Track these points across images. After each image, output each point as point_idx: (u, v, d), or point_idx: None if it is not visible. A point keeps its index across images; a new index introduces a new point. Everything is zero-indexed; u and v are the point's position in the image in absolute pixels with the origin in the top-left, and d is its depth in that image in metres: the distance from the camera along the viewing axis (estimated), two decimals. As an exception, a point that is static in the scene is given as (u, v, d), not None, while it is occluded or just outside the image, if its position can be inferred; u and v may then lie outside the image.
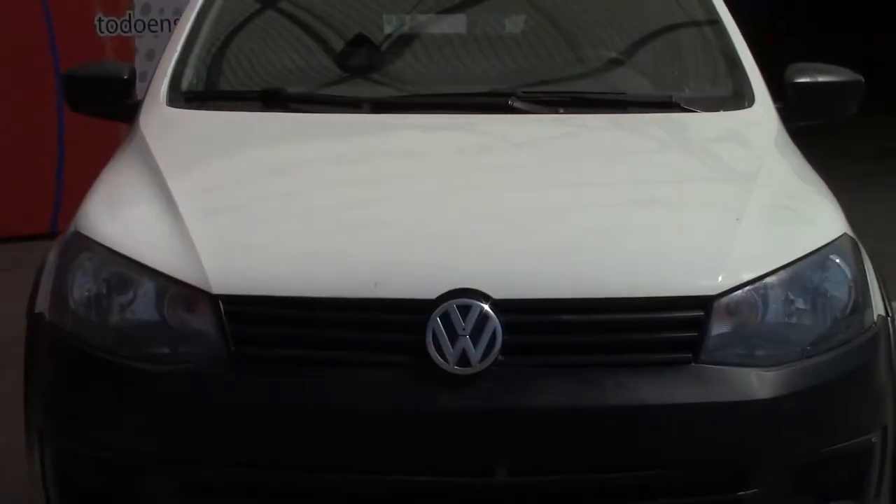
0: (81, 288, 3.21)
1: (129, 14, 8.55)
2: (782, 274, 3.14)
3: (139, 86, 4.30)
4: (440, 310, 2.95)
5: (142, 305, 3.13)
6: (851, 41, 13.31)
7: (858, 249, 3.36)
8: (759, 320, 3.10)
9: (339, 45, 4.40)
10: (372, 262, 3.08)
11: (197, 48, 4.22)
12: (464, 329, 2.94)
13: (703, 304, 3.03)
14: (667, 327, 3.04)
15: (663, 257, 3.16)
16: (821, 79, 4.14)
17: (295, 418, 2.97)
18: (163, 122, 3.89)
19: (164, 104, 3.98)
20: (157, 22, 8.55)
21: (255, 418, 2.98)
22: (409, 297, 2.99)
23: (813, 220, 3.42)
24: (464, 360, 2.93)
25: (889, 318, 3.33)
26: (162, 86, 4.04)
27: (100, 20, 8.46)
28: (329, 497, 3.03)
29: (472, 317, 2.95)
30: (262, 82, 4.15)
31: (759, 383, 3.01)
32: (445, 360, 2.93)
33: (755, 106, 4.01)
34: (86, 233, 3.31)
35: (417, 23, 4.53)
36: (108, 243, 3.23)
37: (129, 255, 3.17)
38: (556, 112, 3.95)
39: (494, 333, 2.94)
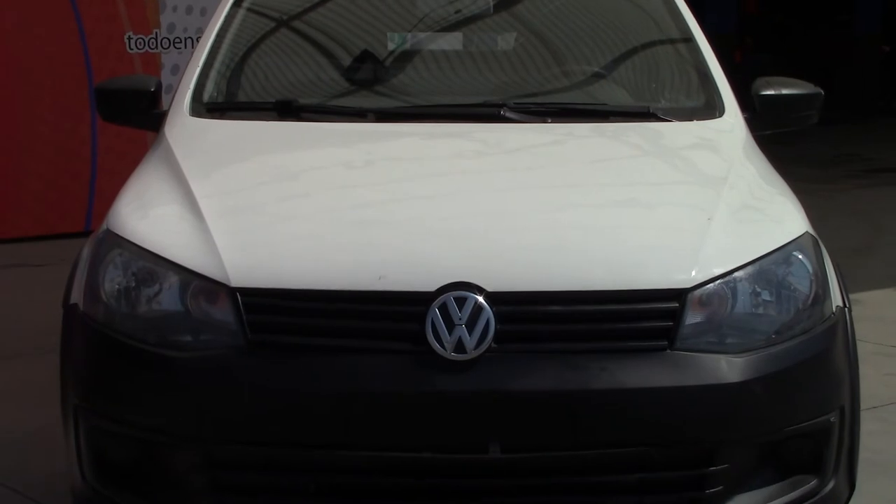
0: (112, 281, 3.21)
1: (156, 32, 8.54)
2: (750, 269, 3.14)
3: (164, 98, 4.28)
4: (438, 301, 2.95)
5: (167, 297, 3.12)
6: (814, 58, 13.33)
7: (819, 246, 3.36)
8: (728, 311, 3.09)
9: (346, 60, 4.39)
10: (376, 258, 3.07)
11: (217, 63, 4.20)
12: (460, 319, 2.93)
13: (678, 296, 3.03)
14: (645, 317, 3.03)
15: (642, 253, 3.15)
16: (784, 91, 4.12)
17: (306, 401, 2.96)
18: (186, 131, 3.88)
19: (188, 114, 3.97)
20: (181, 39, 8.54)
21: (269, 400, 2.97)
22: (410, 290, 2.98)
23: (777, 219, 3.41)
24: (460, 347, 2.92)
25: (846, 309, 3.32)
26: (185, 98, 4.02)
27: (129, 38, 8.46)
28: (337, 471, 3.02)
29: (468, 308, 2.94)
30: (277, 94, 4.13)
31: (729, 368, 3.01)
32: (443, 347, 2.93)
33: (725, 116, 4.00)
34: (116, 231, 3.30)
35: (418, 40, 4.52)
36: (136, 240, 3.22)
37: (156, 251, 3.17)
38: (545, 121, 3.94)
39: (488, 323, 2.94)
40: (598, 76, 4.37)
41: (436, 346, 2.93)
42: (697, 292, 3.05)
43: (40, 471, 4.00)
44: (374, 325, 3.00)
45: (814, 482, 3.16)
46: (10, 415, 4.74)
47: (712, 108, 4.04)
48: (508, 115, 3.88)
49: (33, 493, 4.04)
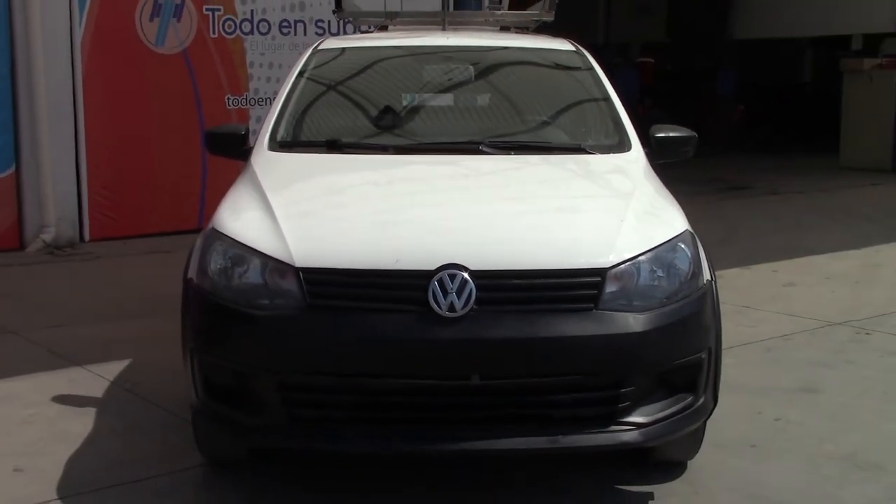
0: (216, 263, 3.18)
1: (246, 94, 8.60)
2: (649, 255, 3.11)
3: (251, 138, 4.24)
4: (437, 277, 2.93)
5: (252, 274, 3.10)
6: (691, 112, 13.40)
7: (695, 239, 3.33)
8: (634, 283, 3.06)
9: (374, 112, 4.35)
10: (395, 247, 3.05)
11: (286, 114, 4.17)
12: (452, 289, 2.91)
13: (600, 273, 3.01)
14: (577, 288, 3.01)
15: (575, 243, 3.13)
16: (671, 134, 4.10)
17: (346, 344, 2.94)
18: (266, 161, 3.85)
19: (266, 149, 3.94)
20: (262, 99, 8.59)
21: (322, 344, 2.95)
22: (417, 269, 2.96)
23: (667, 221, 3.38)
24: (451, 308, 2.90)
25: (713, 282, 3.30)
26: (265, 138, 4.00)
27: (228, 98, 8.52)
28: (367, 392, 3.00)
29: (457, 281, 2.92)
30: (327, 135, 4.10)
31: (635, 322, 2.99)
32: (440, 308, 2.91)
33: (632, 150, 3.97)
34: (218, 228, 3.27)
35: (423, 99, 4.48)
36: (232, 235, 3.20)
37: (245, 242, 3.14)
38: (509, 154, 3.91)
39: (471, 292, 2.92)
40: (545, 123, 4.34)
41: (435, 307, 2.90)
42: (614, 270, 3.03)
43: (178, 393, 3.96)
44: (392, 293, 2.97)
45: (690, 398, 3.15)
46: (157, 356, 4.72)
47: (623, 145, 4.01)
48: (484, 149, 3.85)
49: (172, 409, 4.04)
